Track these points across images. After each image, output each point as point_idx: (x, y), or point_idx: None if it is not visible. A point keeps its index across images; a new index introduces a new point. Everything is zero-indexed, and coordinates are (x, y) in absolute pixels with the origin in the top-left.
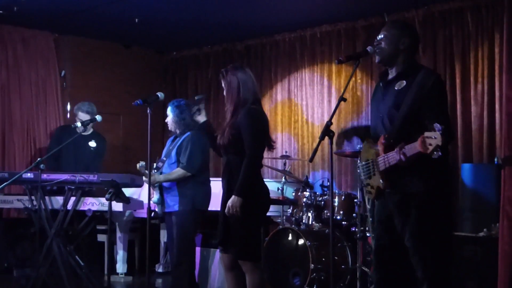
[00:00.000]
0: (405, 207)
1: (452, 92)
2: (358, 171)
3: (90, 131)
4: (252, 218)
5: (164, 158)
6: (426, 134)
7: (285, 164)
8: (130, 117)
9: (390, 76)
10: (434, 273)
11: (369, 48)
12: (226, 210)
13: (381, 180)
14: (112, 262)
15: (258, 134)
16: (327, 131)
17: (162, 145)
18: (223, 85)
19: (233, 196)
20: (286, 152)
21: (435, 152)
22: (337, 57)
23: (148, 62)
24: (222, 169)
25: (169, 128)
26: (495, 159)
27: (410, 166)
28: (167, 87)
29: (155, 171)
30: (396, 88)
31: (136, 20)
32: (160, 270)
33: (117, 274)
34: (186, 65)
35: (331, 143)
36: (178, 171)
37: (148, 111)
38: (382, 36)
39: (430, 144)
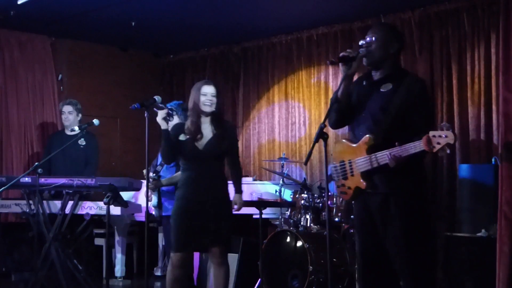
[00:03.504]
0: (387, 207)
1: (449, 93)
2: (330, 172)
3: (77, 130)
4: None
5: (164, 162)
6: (432, 133)
7: (282, 166)
8: (127, 121)
9: (375, 78)
10: (418, 275)
11: (361, 51)
12: (238, 207)
13: (362, 181)
14: (111, 265)
15: None
16: (321, 133)
17: (159, 147)
18: (214, 96)
19: (238, 195)
20: (283, 154)
21: (441, 150)
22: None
23: (145, 65)
24: (194, 174)
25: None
26: (493, 160)
27: (395, 169)
28: (164, 90)
29: (154, 174)
30: (382, 90)
31: (133, 23)
32: (159, 273)
33: (116, 277)
34: (183, 68)
35: (325, 145)
36: (179, 175)
37: (145, 114)
38: (373, 38)
39: (438, 143)
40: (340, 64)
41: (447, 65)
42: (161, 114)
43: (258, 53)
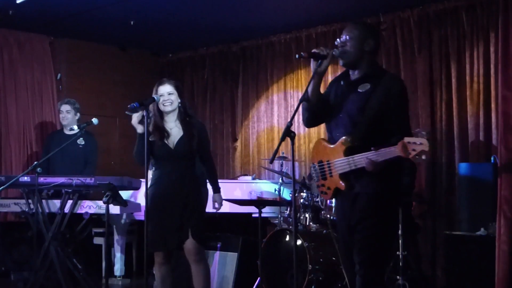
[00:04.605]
0: (359, 205)
1: (448, 92)
2: (311, 171)
3: (76, 130)
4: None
5: None
6: (408, 139)
7: (282, 165)
8: (126, 120)
9: (352, 77)
10: (372, 268)
11: (334, 51)
12: (218, 206)
13: (341, 182)
14: (110, 264)
15: None
16: (287, 131)
17: None
18: (172, 93)
19: (217, 194)
20: (282, 153)
21: (417, 157)
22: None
23: (144, 64)
24: (166, 173)
25: None
26: (492, 158)
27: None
28: None
29: None
30: (360, 90)
31: (132, 22)
32: None
33: (115, 276)
34: (182, 67)
35: (293, 143)
36: None
37: (144, 113)
38: (347, 37)
39: (414, 150)
40: (311, 60)
41: (446, 64)
42: (135, 117)
43: (257, 52)
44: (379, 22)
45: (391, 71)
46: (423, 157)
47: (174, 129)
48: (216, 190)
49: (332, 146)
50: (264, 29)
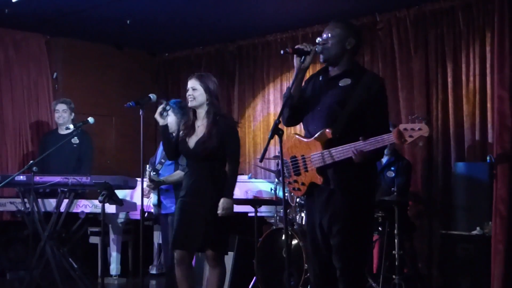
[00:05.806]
0: (333, 203)
1: (444, 91)
2: (281, 167)
3: (72, 129)
4: (230, 217)
5: (163, 160)
6: (404, 126)
7: (278, 164)
8: (122, 119)
9: (332, 73)
10: (353, 273)
11: (317, 48)
12: (220, 212)
13: (318, 176)
14: (106, 264)
15: (239, 146)
16: (275, 129)
17: (155, 146)
18: (195, 89)
19: (225, 199)
20: (279, 152)
21: (414, 143)
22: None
23: (140, 64)
24: (189, 173)
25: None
26: (488, 158)
27: (348, 164)
28: (159, 89)
29: (154, 173)
30: (340, 85)
31: (128, 21)
32: (154, 271)
33: (111, 276)
34: (178, 66)
35: (281, 141)
36: (179, 174)
37: (140, 112)
38: (329, 35)
39: (411, 136)
40: (294, 56)
41: (442, 63)
42: (158, 110)
43: (253, 51)
44: (375, 22)
45: (387, 71)
46: (420, 143)
47: (200, 128)
48: (224, 194)
49: (308, 140)
50: (260, 28)
